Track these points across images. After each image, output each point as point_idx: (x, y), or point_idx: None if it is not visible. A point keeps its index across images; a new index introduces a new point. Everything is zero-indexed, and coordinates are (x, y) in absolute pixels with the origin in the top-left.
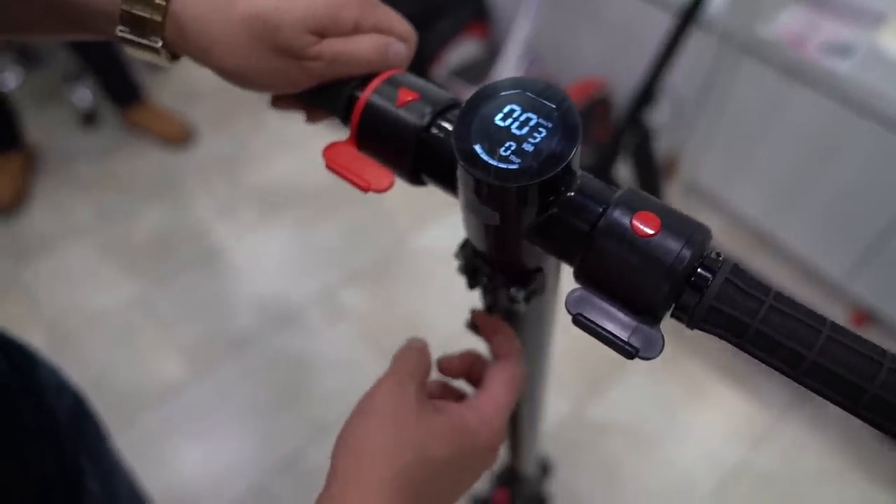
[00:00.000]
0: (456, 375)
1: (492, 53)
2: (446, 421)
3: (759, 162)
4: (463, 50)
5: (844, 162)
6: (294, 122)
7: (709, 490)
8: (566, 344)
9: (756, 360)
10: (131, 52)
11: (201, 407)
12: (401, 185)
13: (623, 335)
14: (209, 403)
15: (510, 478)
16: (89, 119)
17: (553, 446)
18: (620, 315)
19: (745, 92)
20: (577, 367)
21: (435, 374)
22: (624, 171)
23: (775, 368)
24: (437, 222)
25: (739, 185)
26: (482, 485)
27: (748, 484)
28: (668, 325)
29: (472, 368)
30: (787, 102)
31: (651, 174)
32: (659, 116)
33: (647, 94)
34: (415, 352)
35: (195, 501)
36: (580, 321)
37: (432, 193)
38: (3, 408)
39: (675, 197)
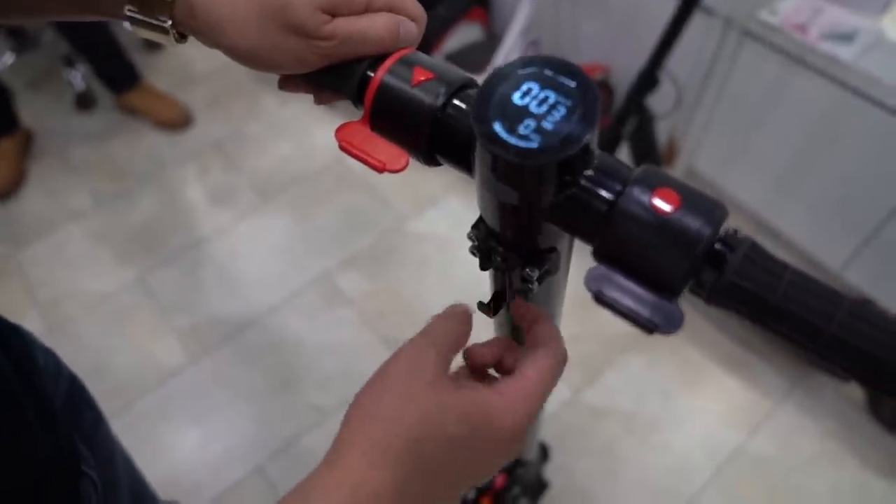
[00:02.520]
0: (483, 367)
1: (491, 39)
2: (465, 397)
3: (760, 148)
4: (462, 35)
5: (845, 149)
6: (291, 106)
7: (706, 475)
8: (563, 329)
9: (751, 346)
10: (139, 32)
11: (199, 391)
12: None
13: (643, 311)
14: (207, 388)
15: (510, 463)
16: (84, 102)
17: (552, 431)
18: (640, 291)
19: (746, 78)
20: (575, 352)
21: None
22: (624, 157)
23: (794, 343)
24: (434, 207)
25: (739, 172)
26: None
27: (745, 469)
28: None
29: (503, 356)
30: (789, 88)
31: (651, 160)
32: (660, 102)
33: (648, 78)
34: (449, 320)
35: (193, 485)
36: (600, 298)
37: (429, 179)
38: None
39: None
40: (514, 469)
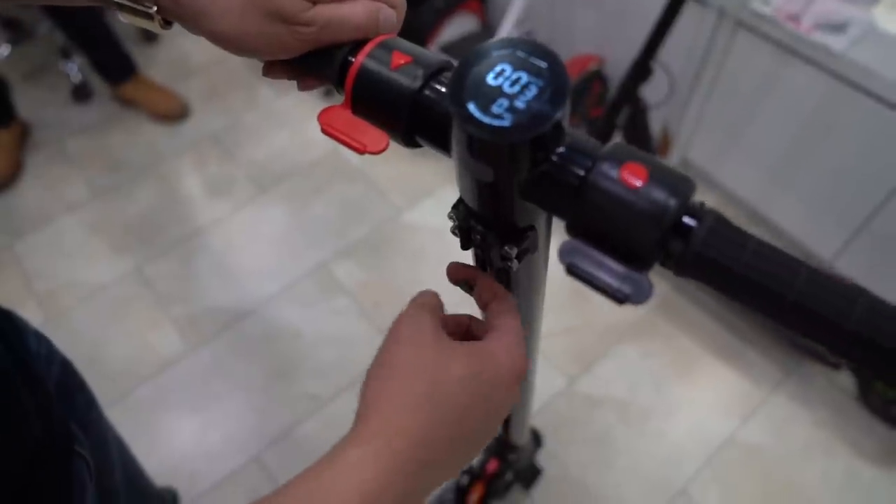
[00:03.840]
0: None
1: (487, 29)
2: (465, 344)
3: (753, 139)
4: (458, 26)
5: (837, 140)
6: (286, 98)
7: (699, 463)
8: (560, 321)
9: (744, 336)
10: (125, 18)
11: (196, 381)
12: (394, 162)
13: (613, 282)
14: (204, 377)
15: (501, 448)
16: (81, 94)
17: (546, 420)
18: (611, 264)
19: (740, 68)
20: (570, 342)
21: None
22: None
23: (758, 310)
24: (429, 198)
25: (733, 162)
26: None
27: (737, 457)
28: (661, 302)
29: (470, 324)
30: (782, 79)
31: (645, 150)
32: (653, 92)
33: (641, 69)
34: (428, 294)
35: (191, 474)
36: (572, 270)
37: (425, 170)
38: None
39: None
40: (506, 454)
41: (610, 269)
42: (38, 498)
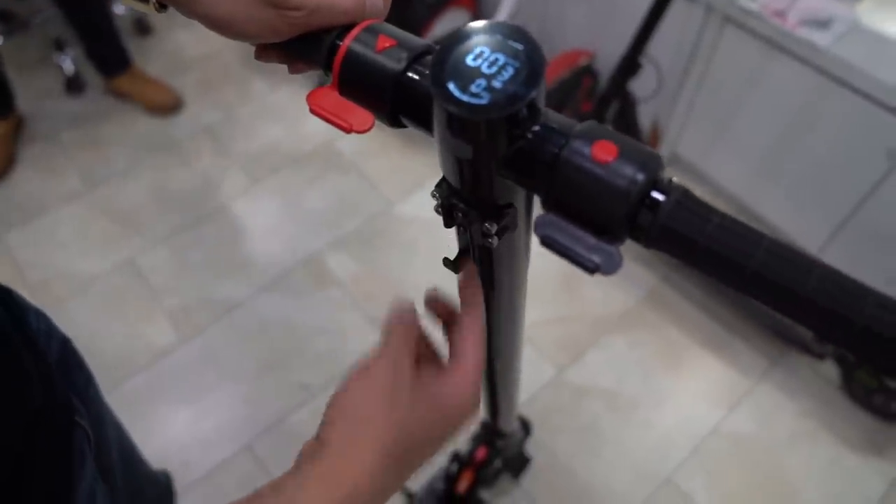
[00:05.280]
0: (438, 315)
1: None
2: (430, 399)
3: (741, 134)
4: (450, 20)
5: (822, 134)
6: (280, 92)
7: (686, 451)
8: (550, 311)
9: (731, 327)
10: (124, 2)
11: (189, 371)
12: (387, 155)
13: (585, 253)
14: (197, 367)
15: (490, 435)
16: (74, 86)
17: (535, 409)
18: (583, 235)
19: (727, 63)
20: (560, 333)
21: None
22: None
23: (722, 281)
24: (422, 190)
25: (720, 157)
26: (463, 444)
27: (724, 446)
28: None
29: (449, 317)
30: (769, 74)
31: None
32: (642, 86)
33: (630, 63)
34: (407, 325)
35: (183, 462)
36: (546, 241)
37: (417, 163)
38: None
39: None
40: (494, 441)
41: (582, 241)
42: (39, 463)
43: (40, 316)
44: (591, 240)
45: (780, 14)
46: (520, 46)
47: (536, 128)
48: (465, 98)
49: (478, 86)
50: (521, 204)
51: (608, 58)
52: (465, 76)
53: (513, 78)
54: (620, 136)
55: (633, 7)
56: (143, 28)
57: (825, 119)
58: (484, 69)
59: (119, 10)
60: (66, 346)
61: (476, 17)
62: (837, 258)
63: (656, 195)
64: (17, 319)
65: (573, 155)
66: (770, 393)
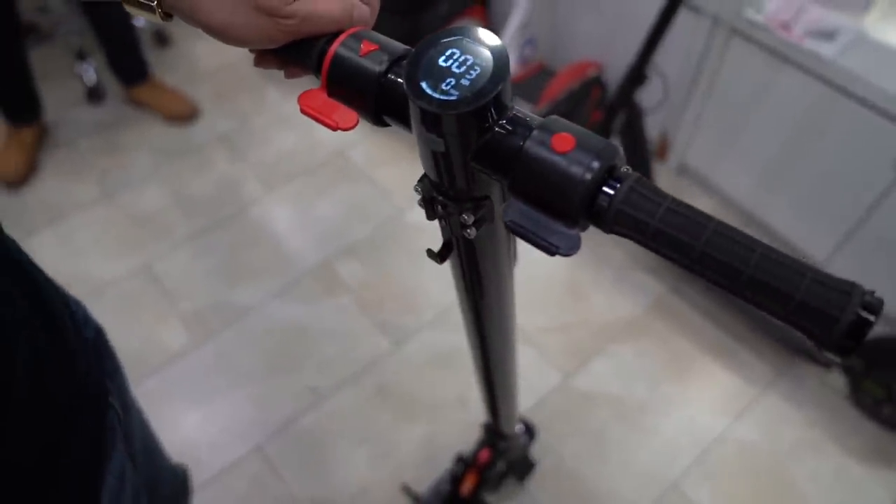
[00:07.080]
0: None
1: None
2: None
3: (747, 144)
4: None
5: (828, 145)
6: (293, 102)
7: (691, 459)
8: (556, 318)
9: (738, 336)
10: (129, 10)
11: (202, 373)
12: (398, 164)
13: (546, 236)
14: (209, 370)
15: (492, 438)
16: (95, 95)
17: (541, 415)
18: (545, 220)
19: (734, 74)
20: (566, 340)
21: None
22: None
23: (672, 261)
24: None
25: (728, 166)
26: (467, 445)
27: (729, 454)
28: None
29: None
30: (775, 85)
31: (640, 153)
32: (650, 97)
33: (637, 74)
34: None
35: (195, 462)
36: (511, 226)
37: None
38: (52, 317)
39: (666, 178)
40: (496, 443)
41: (544, 225)
42: (80, 429)
43: (77, 303)
44: (553, 223)
45: (786, 26)
46: (487, 48)
47: (503, 122)
48: (436, 95)
49: (448, 84)
50: (496, 196)
51: (617, 69)
52: (437, 75)
53: (479, 76)
54: (578, 129)
55: (641, 19)
56: (162, 39)
57: (832, 129)
58: (454, 69)
59: (139, 22)
60: (100, 334)
61: (486, 29)
62: (845, 267)
63: (612, 182)
64: (64, 298)
65: (535, 145)
66: (777, 402)
